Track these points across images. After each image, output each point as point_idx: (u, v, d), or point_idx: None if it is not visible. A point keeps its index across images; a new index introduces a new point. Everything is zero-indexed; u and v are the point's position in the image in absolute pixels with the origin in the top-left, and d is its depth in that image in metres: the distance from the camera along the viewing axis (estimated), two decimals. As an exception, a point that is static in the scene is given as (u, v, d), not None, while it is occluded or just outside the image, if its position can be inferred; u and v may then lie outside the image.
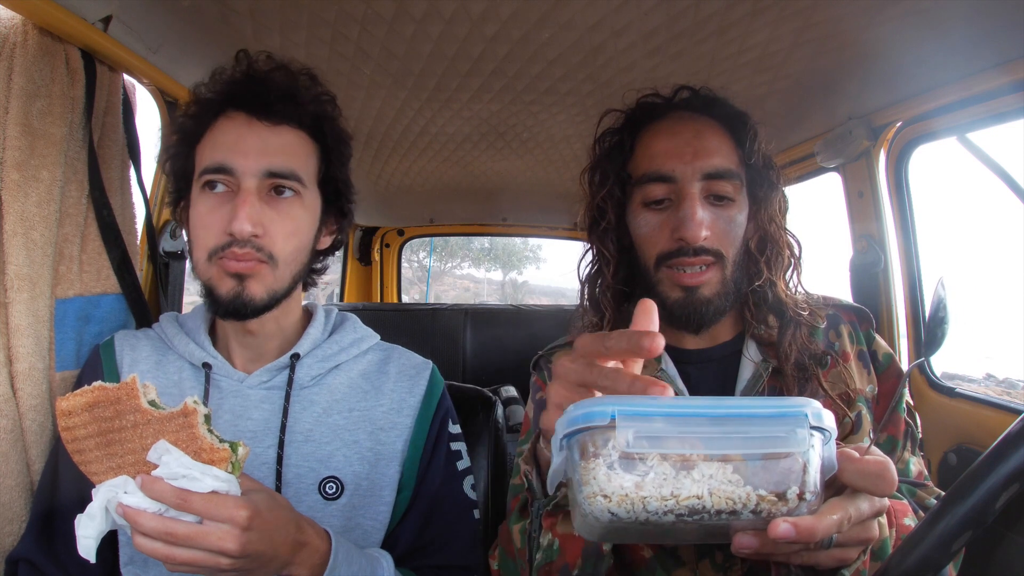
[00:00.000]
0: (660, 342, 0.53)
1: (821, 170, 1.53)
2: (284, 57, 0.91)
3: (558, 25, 1.04)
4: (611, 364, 0.57)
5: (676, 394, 0.88)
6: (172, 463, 0.62)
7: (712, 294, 0.86)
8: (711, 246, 0.85)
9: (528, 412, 1.03)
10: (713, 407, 0.48)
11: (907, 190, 1.35)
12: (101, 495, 0.64)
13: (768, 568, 0.84)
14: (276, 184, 0.85)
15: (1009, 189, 1.10)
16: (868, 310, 0.97)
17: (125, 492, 0.63)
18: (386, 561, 0.85)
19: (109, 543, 0.85)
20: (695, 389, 0.92)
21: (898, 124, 1.31)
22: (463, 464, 0.99)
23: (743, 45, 1.10)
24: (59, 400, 0.65)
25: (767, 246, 0.91)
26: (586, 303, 1.00)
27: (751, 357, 0.91)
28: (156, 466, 0.63)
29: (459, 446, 1.00)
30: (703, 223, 0.83)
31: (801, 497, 0.47)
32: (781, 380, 0.88)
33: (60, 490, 0.87)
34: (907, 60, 1.10)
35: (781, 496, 0.47)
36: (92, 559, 0.63)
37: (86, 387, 0.65)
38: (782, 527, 0.47)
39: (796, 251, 0.94)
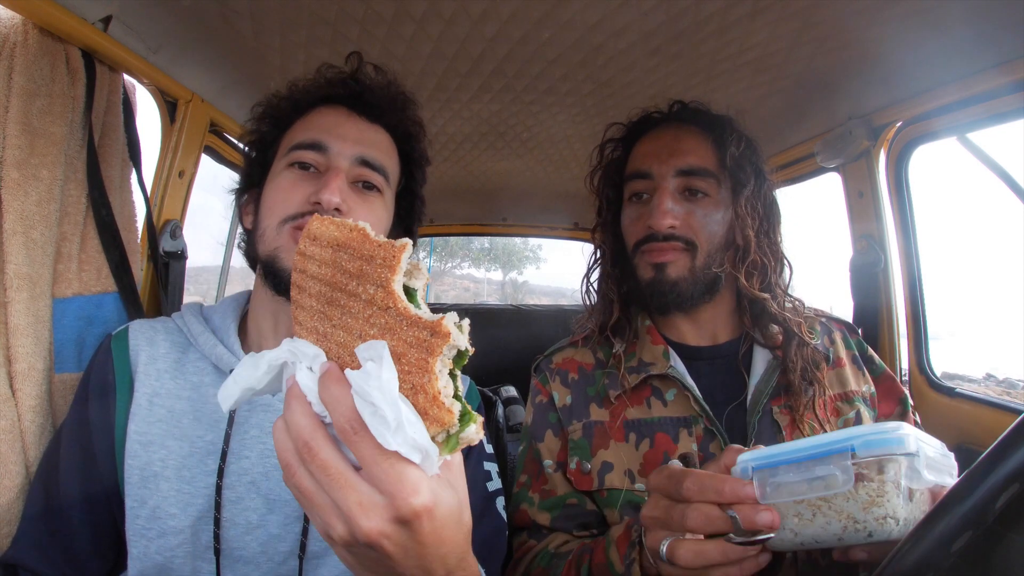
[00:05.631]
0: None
1: (821, 170, 1.53)
2: (392, 72, 0.95)
3: (558, 25, 1.04)
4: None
5: (685, 388, 0.91)
6: (375, 384, 0.42)
7: (678, 277, 0.92)
8: (681, 234, 0.92)
9: (528, 414, 1.03)
10: None
11: (907, 190, 1.35)
12: (287, 353, 0.48)
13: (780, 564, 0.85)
14: (364, 177, 0.87)
15: (1009, 189, 1.10)
16: (852, 323, 1.07)
17: (309, 368, 0.47)
18: None
19: (117, 548, 0.81)
20: (708, 383, 0.94)
21: (898, 124, 1.31)
22: (493, 486, 0.91)
23: (743, 45, 1.10)
24: (315, 218, 0.51)
25: (734, 242, 0.96)
26: (593, 297, 1.06)
27: (761, 354, 0.95)
28: (359, 365, 0.44)
29: (491, 466, 0.93)
30: (669, 213, 0.91)
31: None
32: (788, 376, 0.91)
33: (57, 491, 0.83)
34: (907, 60, 1.10)
35: None
36: (225, 410, 0.50)
37: (348, 221, 0.49)
38: None
39: (765, 252, 0.97)
